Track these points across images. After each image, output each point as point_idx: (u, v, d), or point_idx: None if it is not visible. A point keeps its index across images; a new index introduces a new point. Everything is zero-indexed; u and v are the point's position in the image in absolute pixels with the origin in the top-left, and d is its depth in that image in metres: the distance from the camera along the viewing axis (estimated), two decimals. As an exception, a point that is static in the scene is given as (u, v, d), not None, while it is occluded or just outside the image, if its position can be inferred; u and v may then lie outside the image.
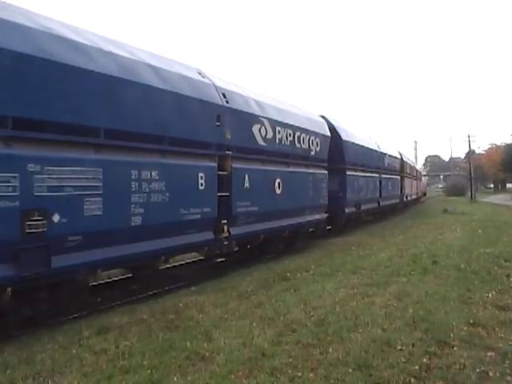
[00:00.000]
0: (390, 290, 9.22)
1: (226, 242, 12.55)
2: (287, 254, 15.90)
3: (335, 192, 20.91)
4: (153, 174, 9.92)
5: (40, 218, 7.61)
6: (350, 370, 5.46)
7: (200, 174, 11.41)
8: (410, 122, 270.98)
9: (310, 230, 18.63)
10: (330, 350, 6.11)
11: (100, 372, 5.75)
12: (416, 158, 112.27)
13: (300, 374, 5.41)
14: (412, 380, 5.22)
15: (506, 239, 17.45)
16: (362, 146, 25.97)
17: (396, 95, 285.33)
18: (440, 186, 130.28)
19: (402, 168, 39.11)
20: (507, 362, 5.71)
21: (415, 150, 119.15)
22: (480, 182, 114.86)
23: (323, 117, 21.30)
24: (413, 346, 6.19)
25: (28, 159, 7.50)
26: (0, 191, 7.07)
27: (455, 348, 6.15)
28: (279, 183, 15.11)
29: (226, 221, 12.48)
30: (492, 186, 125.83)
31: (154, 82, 10.27)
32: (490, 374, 5.38)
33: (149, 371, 5.65)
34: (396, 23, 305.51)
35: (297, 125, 16.83)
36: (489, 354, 5.96)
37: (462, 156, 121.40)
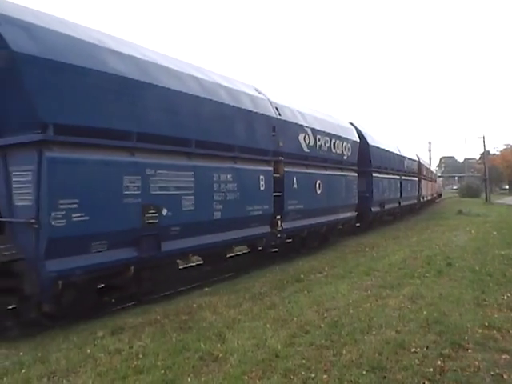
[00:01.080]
0: (404, 292, 9.17)
1: (279, 235, 14.74)
2: (300, 256, 15.91)
3: (363, 192, 22.93)
4: (228, 176, 12.18)
5: (154, 211, 9.72)
6: (364, 372, 5.44)
7: (261, 177, 13.71)
8: (425, 123, 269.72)
9: (341, 226, 20.75)
10: (344, 351, 6.10)
11: (114, 372, 5.78)
12: (430, 159, 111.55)
13: (313, 376, 5.41)
14: (426, 382, 5.19)
15: (521, 241, 17.32)
16: (386, 150, 28.15)
17: (410, 96, 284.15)
18: (454, 187, 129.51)
19: (419, 170, 41.17)
20: (522, 364, 5.66)
21: (429, 151, 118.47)
22: (495, 184, 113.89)
23: (352, 123, 23.55)
24: (427, 348, 6.16)
25: (146, 165, 9.60)
26: (128, 190, 9.15)
27: (469, 350, 6.11)
28: (319, 184, 17.44)
29: (279, 216, 14.67)
30: (507, 187, 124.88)
31: (227, 100, 12.43)
32: (505, 376, 5.34)
33: (162, 371, 5.68)
34: (411, 24, 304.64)
35: (333, 132, 19.14)
36: (503, 356, 5.91)
37: (477, 157, 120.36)
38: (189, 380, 5.45)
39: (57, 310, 8.40)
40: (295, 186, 15.58)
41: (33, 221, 7.80)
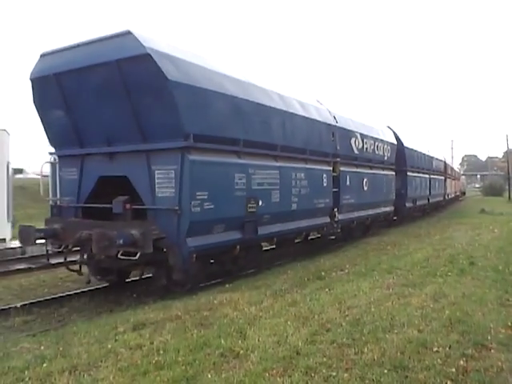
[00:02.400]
0: (426, 291, 9.08)
1: (335, 225, 17.48)
2: (322, 253, 15.90)
3: (398, 189, 26.03)
4: (302, 175, 14.80)
5: (253, 202, 12.27)
6: (386, 371, 5.39)
7: (324, 175, 16.45)
8: (447, 121, 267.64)
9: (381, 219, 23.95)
10: (365, 350, 6.04)
11: (135, 367, 5.80)
12: (452, 157, 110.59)
13: (335, 374, 5.37)
14: (449, 382, 5.12)
15: (545, 241, 17.11)
16: (418, 151, 31.33)
17: (434, 94, 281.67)
18: (477, 185, 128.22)
19: (445, 169, 44.79)
20: (546, 365, 5.58)
21: (452, 148, 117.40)
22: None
23: (389, 127, 26.69)
24: (449, 348, 6.08)
25: (249, 165, 12.18)
26: (237, 186, 11.69)
27: (493, 351, 6.03)
28: (366, 182, 20.37)
29: (336, 209, 17.37)
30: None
31: (301, 112, 15.11)
32: (529, 377, 5.27)
33: (183, 367, 5.68)
34: (433, 20, 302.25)
35: (376, 136, 22.19)
36: (527, 357, 5.83)
37: (500, 155, 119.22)
38: (209, 376, 5.44)
39: (184, 278, 10.85)
40: (348, 183, 18.55)
41: (176, 208, 10.11)
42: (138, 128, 10.53)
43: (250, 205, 12.12)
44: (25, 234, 11.43)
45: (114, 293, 12.12)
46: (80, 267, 11.49)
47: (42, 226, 11.83)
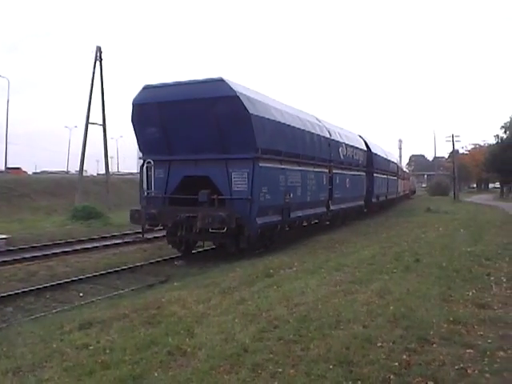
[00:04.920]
0: (372, 288, 9.23)
1: (329, 214, 23.19)
2: (270, 252, 15.96)
3: (367, 187, 31.46)
4: (312, 176, 20.17)
5: (288, 195, 17.45)
6: (331, 367, 5.47)
7: (324, 176, 21.91)
8: (395, 121, 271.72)
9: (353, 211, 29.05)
10: (312, 346, 6.12)
11: (81, 367, 5.73)
12: (400, 156, 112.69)
13: (281, 370, 5.42)
14: (392, 376, 5.24)
15: (487, 238, 17.60)
16: (380, 156, 37.36)
17: (381, 93, 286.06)
18: (423, 185, 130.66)
19: (397, 170, 49.95)
20: (486, 359, 5.74)
21: (400, 149, 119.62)
22: (464, 182, 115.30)
23: (360, 136, 32.93)
24: (393, 342, 6.21)
25: (286, 169, 17.46)
26: (281, 183, 16.93)
27: (435, 345, 6.18)
28: (348, 181, 26.18)
29: (330, 201, 22.76)
30: (475, 185, 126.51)
31: (310, 128, 20.67)
32: (469, 371, 5.40)
33: (130, 366, 5.64)
34: (381, 21, 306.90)
35: (354, 145, 28.48)
36: (468, 351, 5.99)
37: (446, 156, 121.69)
38: (156, 375, 5.43)
39: (247, 246, 15.61)
40: (337, 182, 23.96)
41: (249, 197, 15.11)
42: (220, 143, 15.33)
43: (286, 196, 17.32)
44: (137, 215, 16.21)
45: (60, 291, 11.99)
46: (179, 240, 16.73)
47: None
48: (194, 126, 15.45)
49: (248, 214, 15.03)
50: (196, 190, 15.62)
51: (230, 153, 15.32)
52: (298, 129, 19.01)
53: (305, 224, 21.94)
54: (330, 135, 23.43)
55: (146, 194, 16.78)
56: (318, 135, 21.46)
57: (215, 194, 15.34)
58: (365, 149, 31.44)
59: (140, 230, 18.37)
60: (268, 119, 16.20)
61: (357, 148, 28.94)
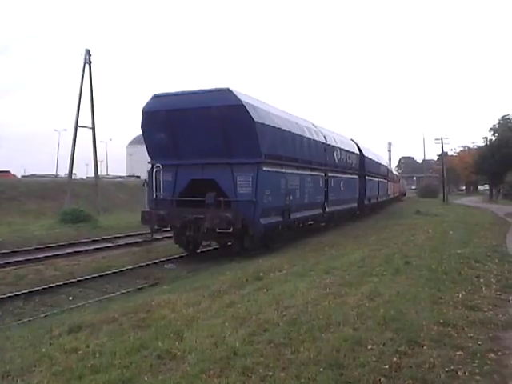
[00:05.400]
0: (362, 290, 9.24)
1: (324, 215, 24.34)
2: (261, 255, 15.96)
3: (360, 190, 32.57)
4: (309, 179, 21.43)
5: (288, 197, 18.50)
6: (321, 370, 5.46)
7: (320, 179, 23.21)
8: (384, 123, 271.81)
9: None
10: (302, 349, 6.11)
11: (70, 371, 5.69)
12: (390, 159, 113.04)
13: (271, 374, 5.41)
14: (382, 379, 5.24)
15: (476, 240, 17.68)
16: (372, 159, 38.95)
17: (370, 95, 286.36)
18: (413, 187, 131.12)
19: (387, 174, 51.26)
20: (476, 361, 5.76)
21: (389, 151, 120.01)
22: (453, 184, 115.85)
23: (352, 140, 34.26)
24: (383, 345, 6.21)
25: (286, 173, 18.61)
26: (281, 186, 18.04)
27: (425, 347, 6.19)
28: (342, 184, 27.30)
29: (326, 203, 23.95)
30: (464, 187, 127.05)
31: (307, 134, 21.83)
32: (459, 373, 5.41)
33: (119, 371, 5.60)
34: (368, 22, 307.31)
35: (347, 149, 29.67)
36: (458, 353, 6.00)
37: (436, 158, 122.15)
38: (146, 379, 5.40)
39: (251, 246, 16.66)
40: (332, 185, 25.15)
41: (254, 200, 16.17)
42: (225, 149, 16.40)
43: (286, 198, 18.45)
44: (147, 217, 17.33)
45: (49, 295, 11.94)
46: (186, 240, 17.75)
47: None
48: (201, 132, 16.53)
49: (252, 215, 16.12)
50: (202, 193, 16.68)
51: (235, 158, 16.43)
52: (297, 135, 20.21)
53: (301, 225, 22.56)
54: (326, 140, 24.67)
55: (154, 196, 17.59)
56: (315, 140, 22.77)
57: (221, 197, 16.49)
58: (357, 152, 32.73)
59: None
60: (270, 126, 17.38)
61: (350, 152, 30.21)
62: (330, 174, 24.57)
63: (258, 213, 16.22)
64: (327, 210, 24.11)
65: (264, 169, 16.50)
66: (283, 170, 18.34)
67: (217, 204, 16.44)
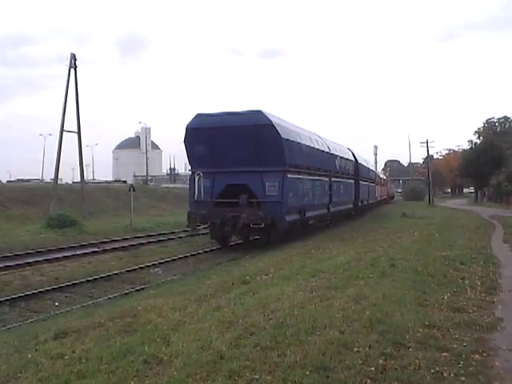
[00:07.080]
0: (348, 293, 9.27)
1: (328, 215, 28.42)
2: (247, 258, 15.96)
3: (354, 193, 36.72)
4: (318, 183, 25.37)
5: (304, 198, 22.92)
6: (308, 373, 5.47)
7: (326, 184, 27.11)
8: (370, 126, 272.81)
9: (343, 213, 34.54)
10: (288, 352, 6.11)
11: (56, 377, 5.66)
12: (376, 162, 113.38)
13: (258, 377, 5.40)
14: (368, 381, 5.26)
15: (462, 243, 17.82)
16: (364, 165, 43.71)
17: (356, 99, 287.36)
18: (399, 190, 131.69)
19: (375, 178, 54.54)
20: (461, 362, 5.80)
21: (375, 154, 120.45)
22: (438, 187, 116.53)
23: (348, 148, 38.70)
24: (369, 347, 6.23)
25: (303, 179, 22.89)
26: (299, 189, 22.34)
27: (411, 349, 6.23)
28: (342, 187, 31.51)
29: (330, 204, 27.76)
30: (450, 190, 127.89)
31: (317, 146, 26.09)
32: (445, 374, 5.45)
33: (106, 376, 5.58)
34: (354, 27, 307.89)
35: (345, 156, 33.97)
36: (443, 354, 6.04)
37: (421, 161, 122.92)
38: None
39: (281, 237, 20.31)
40: (335, 188, 29.09)
41: (281, 200, 19.80)
42: (256, 159, 19.88)
43: (303, 199, 22.61)
44: (193, 215, 20.80)
45: (35, 300, 11.89)
46: (222, 235, 21.25)
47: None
48: (236, 146, 19.93)
49: (279, 213, 19.81)
50: (235, 196, 20.12)
51: (265, 166, 19.96)
52: (310, 146, 24.52)
53: (311, 222, 26.72)
54: (330, 150, 29.02)
55: (195, 198, 21.03)
56: (322, 150, 27.07)
57: (251, 198, 20.12)
58: (353, 159, 37.34)
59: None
60: (291, 140, 21.29)
61: (347, 159, 34.76)
62: (333, 179, 28.65)
63: (284, 211, 20.02)
64: (331, 210, 28.02)
65: (288, 176, 20.39)
66: (301, 177, 22.38)
67: (250, 204, 20.04)
